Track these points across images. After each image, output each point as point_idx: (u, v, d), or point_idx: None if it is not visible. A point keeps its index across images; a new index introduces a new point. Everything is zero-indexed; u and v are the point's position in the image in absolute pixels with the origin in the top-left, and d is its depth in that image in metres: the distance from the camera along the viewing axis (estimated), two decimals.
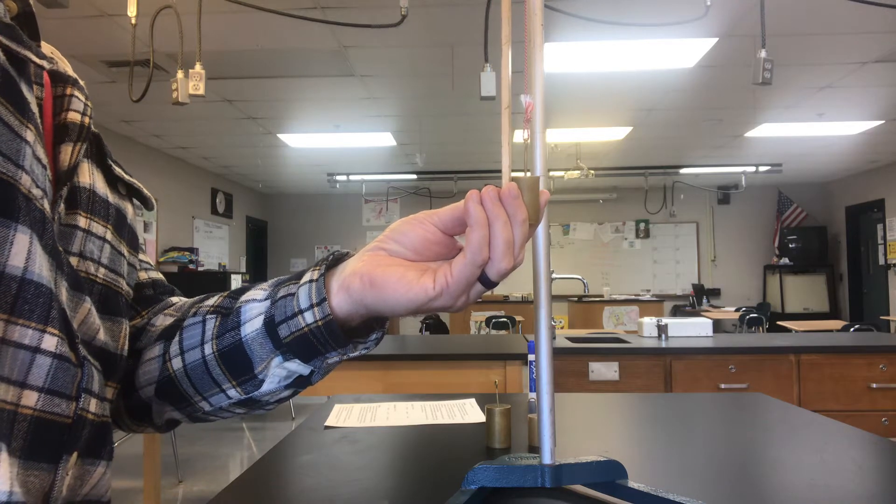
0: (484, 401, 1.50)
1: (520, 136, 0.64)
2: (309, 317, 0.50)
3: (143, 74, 4.22)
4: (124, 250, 0.54)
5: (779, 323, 6.44)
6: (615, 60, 4.34)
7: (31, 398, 0.37)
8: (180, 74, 2.60)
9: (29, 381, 0.37)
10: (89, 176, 0.51)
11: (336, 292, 0.51)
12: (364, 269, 0.49)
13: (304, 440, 1.16)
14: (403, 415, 1.36)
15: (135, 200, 0.59)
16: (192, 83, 2.60)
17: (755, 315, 6.86)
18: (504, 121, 0.53)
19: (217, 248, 8.74)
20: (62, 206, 0.46)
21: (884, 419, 2.90)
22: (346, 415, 1.36)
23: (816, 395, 2.91)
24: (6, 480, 0.36)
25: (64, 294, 0.41)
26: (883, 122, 6.07)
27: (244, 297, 0.56)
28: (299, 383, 0.55)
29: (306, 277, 0.52)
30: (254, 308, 0.54)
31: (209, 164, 8.14)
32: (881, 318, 8.18)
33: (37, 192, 0.40)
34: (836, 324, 5.44)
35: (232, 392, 0.55)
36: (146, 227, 6.89)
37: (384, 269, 0.49)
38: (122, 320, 0.52)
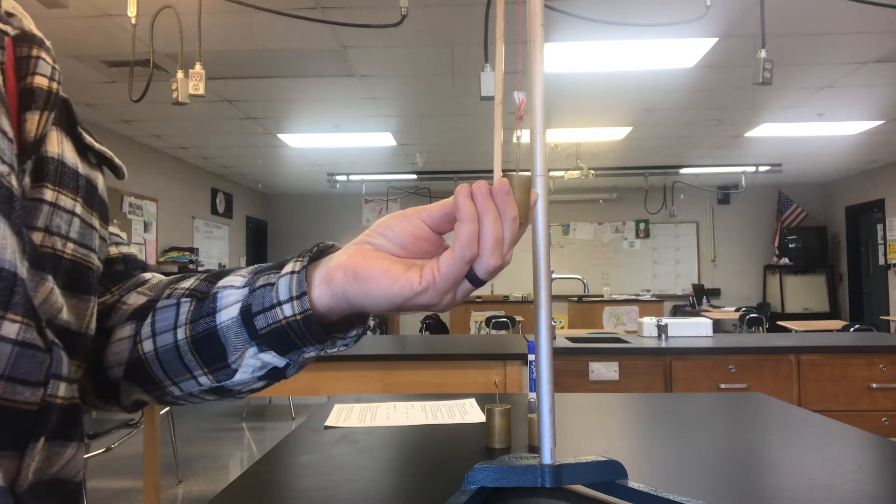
0: (484, 401, 1.50)
1: (515, 136, 0.64)
2: (287, 310, 0.49)
3: (143, 74, 4.22)
4: (96, 223, 0.52)
5: (779, 323, 6.44)
6: (615, 60, 4.34)
7: None
8: (180, 74, 2.60)
9: None
10: (58, 145, 0.48)
11: (317, 285, 0.49)
12: (348, 262, 0.48)
13: (304, 440, 1.16)
14: (403, 415, 1.36)
15: (105, 169, 0.56)
16: (192, 83, 2.60)
17: (755, 315, 6.86)
18: (497, 117, 0.53)
19: (217, 248, 8.74)
20: (28, 179, 0.43)
21: (884, 419, 2.90)
22: (346, 415, 1.36)
23: (816, 395, 2.91)
24: None
25: (25, 274, 0.39)
26: (883, 122, 6.07)
27: (221, 283, 0.54)
28: (273, 375, 0.53)
29: (287, 268, 0.51)
30: (231, 295, 0.52)
31: (209, 164, 8.15)
32: (881, 318, 8.18)
33: (3, 168, 0.38)
34: (836, 324, 5.44)
35: (203, 379, 0.53)
36: (146, 227, 6.89)
37: (369, 261, 0.48)
38: (91, 298, 0.50)
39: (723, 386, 2.90)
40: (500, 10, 0.55)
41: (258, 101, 5.30)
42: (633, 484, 0.79)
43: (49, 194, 0.45)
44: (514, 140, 0.64)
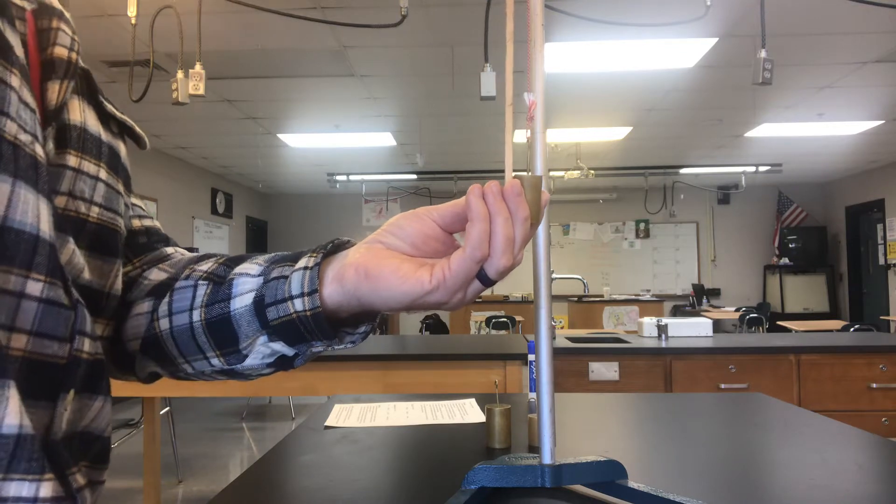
0: (484, 401, 1.50)
1: (522, 135, 0.64)
2: (298, 304, 0.50)
3: (143, 74, 4.21)
4: (121, 189, 0.53)
5: (779, 323, 6.44)
6: (615, 60, 4.34)
7: (20, 340, 0.38)
8: (180, 74, 2.60)
9: (17, 325, 0.38)
10: (80, 113, 0.49)
11: (329, 282, 0.50)
12: (360, 261, 0.49)
13: (304, 440, 1.16)
14: (403, 415, 1.36)
15: (127, 139, 0.57)
16: (192, 83, 2.60)
17: (755, 315, 6.86)
18: (507, 118, 0.53)
19: (217, 248, 8.74)
20: (51, 145, 0.45)
21: (884, 419, 2.90)
22: (346, 415, 1.36)
23: (816, 395, 2.91)
24: (16, 414, 0.37)
25: (50, 237, 0.41)
26: (883, 122, 6.07)
27: (238, 269, 0.55)
28: (281, 364, 0.55)
29: (302, 263, 0.52)
30: (246, 283, 0.53)
31: (209, 164, 8.14)
32: (881, 318, 8.18)
33: (25, 137, 0.39)
34: (836, 324, 5.45)
35: (215, 361, 0.55)
36: None
37: (380, 260, 0.48)
38: (116, 259, 0.51)
39: (723, 386, 2.90)
40: (509, 11, 0.55)
41: (258, 101, 5.30)
42: (633, 484, 0.79)
43: (72, 160, 0.47)
44: (524, 140, 0.64)
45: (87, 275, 0.46)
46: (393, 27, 2.54)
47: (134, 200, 0.61)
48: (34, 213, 0.39)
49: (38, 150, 0.41)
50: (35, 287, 0.39)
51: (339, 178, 7.85)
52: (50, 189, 0.41)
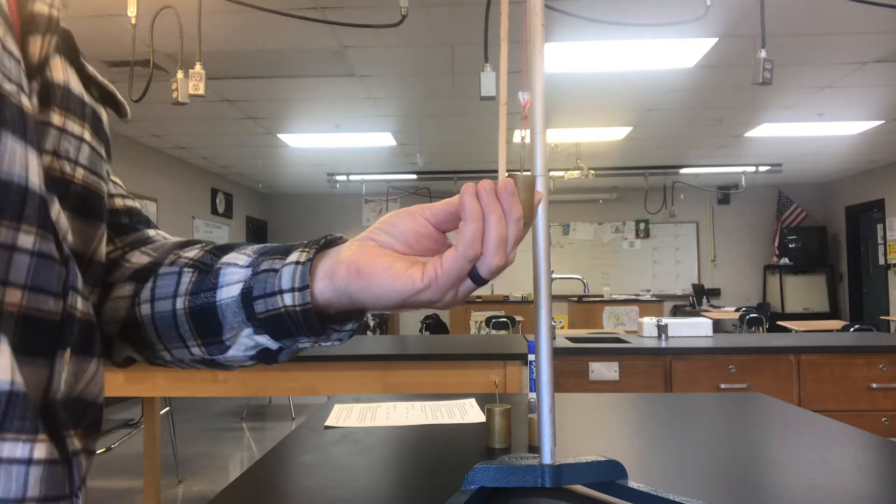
0: (484, 401, 1.50)
1: (519, 136, 0.64)
2: (288, 299, 0.50)
3: (143, 74, 4.22)
4: (104, 153, 0.52)
5: (779, 323, 6.44)
6: (615, 60, 4.34)
7: (14, 295, 0.37)
8: (180, 74, 2.60)
9: (10, 280, 0.37)
10: (63, 73, 0.48)
11: (320, 278, 0.50)
12: (351, 258, 0.49)
13: (304, 440, 1.16)
14: (403, 415, 1.36)
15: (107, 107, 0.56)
16: (192, 83, 2.60)
17: (755, 315, 6.86)
18: (501, 117, 0.53)
19: None
20: (35, 101, 0.44)
21: (884, 419, 2.90)
22: (346, 415, 1.36)
23: (816, 395, 2.91)
24: (7, 371, 0.35)
25: (40, 189, 0.40)
26: (883, 122, 6.07)
27: (225, 259, 0.54)
28: (264, 357, 0.54)
29: (293, 257, 0.51)
30: (234, 273, 0.52)
31: (209, 164, 8.15)
32: (881, 318, 8.18)
33: (9, 87, 0.38)
34: (836, 324, 5.44)
35: (196, 350, 0.54)
36: None
37: (372, 258, 0.48)
38: (100, 224, 0.50)
39: (723, 386, 2.90)
40: (504, 12, 0.55)
41: (258, 101, 5.30)
42: (633, 484, 0.79)
43: (56, 118, 0.45)
44: (519, 140, 0.64)
45: (69, 238, 0.45)
46: (393, 27, 2.54)
47: (114, 178, 0.60)
48: (22, 163, 0.38)
49: (24, 100, 0.39)
50: (27, 240, 0.38)
51: (339, 178, 7.85)
52: (38, 142, 0.40)
